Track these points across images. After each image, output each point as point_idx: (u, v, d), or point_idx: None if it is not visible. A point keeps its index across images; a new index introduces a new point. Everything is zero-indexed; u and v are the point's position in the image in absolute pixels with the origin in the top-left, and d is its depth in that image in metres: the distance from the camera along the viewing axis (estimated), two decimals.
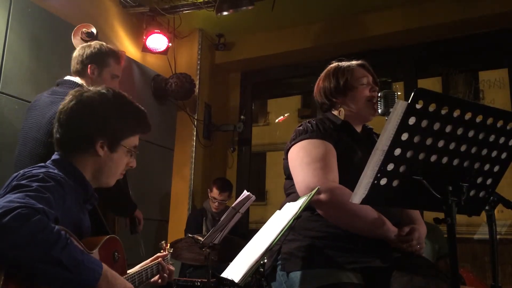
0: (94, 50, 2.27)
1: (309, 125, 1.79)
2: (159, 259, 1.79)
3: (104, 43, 2.35)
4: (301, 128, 1.81)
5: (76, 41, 2.59)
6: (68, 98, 1.49)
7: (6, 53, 2.85)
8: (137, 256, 2.56)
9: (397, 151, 1.15)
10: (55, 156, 1.46)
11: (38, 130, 2.09)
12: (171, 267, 1.82)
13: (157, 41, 4.15)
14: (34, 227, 1.07)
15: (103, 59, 2.27)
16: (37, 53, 3.06)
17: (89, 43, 2.37)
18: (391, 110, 1.70)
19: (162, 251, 1.96)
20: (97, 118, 1.46)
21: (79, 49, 2.31)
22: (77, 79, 2.26)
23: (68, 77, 2.28)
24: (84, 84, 2.23)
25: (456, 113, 1.16)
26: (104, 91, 1.50)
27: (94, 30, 2.60)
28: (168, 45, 4.19)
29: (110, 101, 1.49)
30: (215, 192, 3.93)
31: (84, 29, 2.58)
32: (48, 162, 1.43)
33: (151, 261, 1.76)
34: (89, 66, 2.24)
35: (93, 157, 1.45)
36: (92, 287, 1.17)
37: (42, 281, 1.12)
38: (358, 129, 1.91)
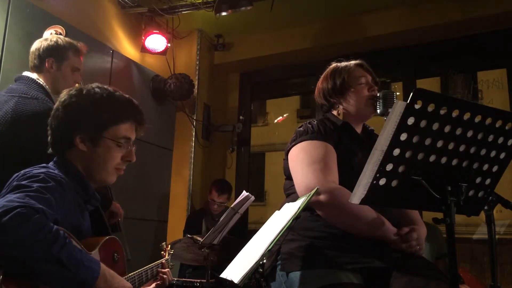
0: (51, 43, 2.20)
1: (310, 126, 1.80)
2: (161, 260, 1.79)
3: (62, 36, 2.28)
4: (301, 129, 1.81)
5: None
6: (56, 104, 1.51)
7: (5, 53, 2.85)
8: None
9: (396, 151, 1.15)
10: (56, 158, 1.47)
11: None
12: (165, 270, 1.81)
13: (156, 41, 4.15)
14: (33, 227, 1.07)
15: (61, 52, 2.20)
16: None
17: (46, 36, 2.29)
18: (390, 110, 1.71)
19: (162, 252, 1.96)
20: (72, 114, 1.46)
21: (36, 43, 2.24)
22: (34, 75, 2.17)
23: (25, 73, 2.20)
24: (41, 80, 2.16)
25: (455, 113, 1.16)
26: (82, 87, 1.51)
27: (61, 31, 2.53)
28: (167, 45, 4.19)
29: (84, 95, 1.48)
30: (214, 194, 3.92)
31: (52, 30, 2.52)
32: (50, 163, 1.44)
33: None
34: (46, 60, 2.17)
35: (79, 154, 1.45)
36: (90, 286, 1.17)
37: (41, 280, 1.12)
38: (358, 129, 1.92)
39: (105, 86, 1.53)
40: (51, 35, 2.29)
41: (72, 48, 2.23)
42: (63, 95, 1.51)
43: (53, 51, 2.18)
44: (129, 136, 1.51)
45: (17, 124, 1.99)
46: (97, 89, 1.50)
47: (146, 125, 1.56)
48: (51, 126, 1.49)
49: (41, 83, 2.16)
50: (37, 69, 2.19)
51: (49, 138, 1.49)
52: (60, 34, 2.48)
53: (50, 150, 1.49)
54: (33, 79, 2.15)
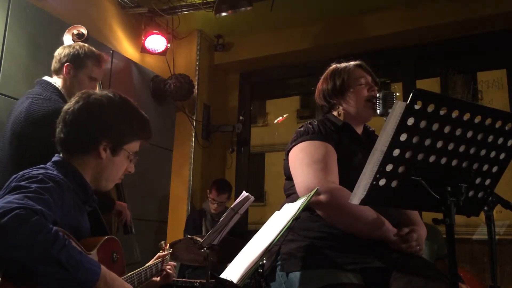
0: (72, 50, 2.28)
1: (310, 126, 1.80)
2: (160, 258, 1.80)
3: (86, 45, 2.35)
4: (302, 129, 1.81)
5: (67, 42, 2.59)
6: (74, 99, 1.50)
7: (5, 54, 2.85)
8: (131, 258, 2.51)
9: (396, 152, 1.15)
10: (55, 158, 1.46)
11: (8, 132, 2.11)
12: (171, 262, 1.85)
13: (156, 42, 4.15)
14: (33, 228, 1.07)
15: (80, 60, 2.27)
16: (35, 54, 3.05)
17: (70, 43, 2.37)
18: (389, 110, 1.71)
19: (161, 251, 1.96)
20: (104, 121, 1.47)
21: (60, 48, 2.33)
22: (54, 79, 2.26)
23: (45, 77, 2.28)
24: (58, 84, 2.23)
25: (454, 114, 1.16)
26: (111, 95, 1.52)
27: (84, 31, 2.59)
28: (166, 46, 4.19)
29: (117, 105, 1.51)
30: (213, 194, 3.93)
31: (74, 31, 2.57)
32: (48, 163, 1.44)
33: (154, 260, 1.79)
34: (65, 65, 2.25)
35: (95, 159, 1.46)
36: None
37: (40, 282, 1.11)
38: (359, 130, 1.92)
39: (128, 97, 1.57)
40: (75, 43, 2.37)
41: (92, 58, 2.31)
42: (89, 96, 1.49)
43: (72, 58, 2.27)
44: (137, 151, 1.57)
45: (30, 123, 2.05)
46: (126, 101, 1.54)
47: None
48: (72, 125, 1.46)
49: (58, 86, 2.24)
50: (56, 72, 2.29)
51: (62, 135, 1.46)
52: (82, 34, 2.54)
53: (59, 148, 1.48)
54: (50, 82, 2.24)
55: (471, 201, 1.33)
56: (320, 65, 2.07)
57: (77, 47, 2.30)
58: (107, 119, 1.47)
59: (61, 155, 1.47)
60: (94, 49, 2.35)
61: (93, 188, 1.49)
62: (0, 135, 2.25)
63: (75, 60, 2.26)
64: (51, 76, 2.30)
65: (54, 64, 2.29)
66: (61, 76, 2.26)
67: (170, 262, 1.86)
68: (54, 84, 2.23)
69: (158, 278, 1.80)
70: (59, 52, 2.29)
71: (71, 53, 2.26)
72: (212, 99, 4.86)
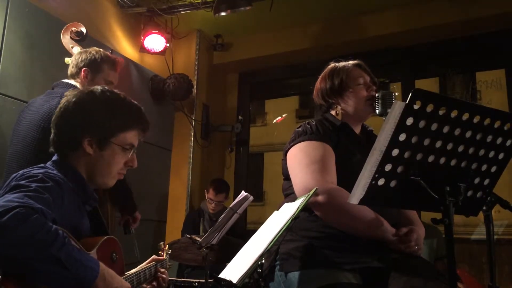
0: (89, 56, 2.35)
1: (308, 126, 1.80)
2: (156, 260, 1.79)
3: (101, 50, 2.42)
4: (300, 129, 1.81)
5: (65, 39, 2.60)
6: (62, 100, 1.50)
7: (3, 53, 2.84)
8: (131, 258, 2.55)
9: (395, 152, 1.15)
10: (55, 157, 1.47)
11: (30, 128, 2.14)
12: (164, 275, 1.80)
13: (155, 41, 4.15)
14: (32, 226, 1.07)
15: (96, 65, 2.34)
16: (34, 53, 3.05)
17: (87, 49, 2.44)
18: (388, 110, 1.71)
19: (160, 252, 1.95)
20: (83, 116, 1.46)
21: (76, 54, 2.40)
22: (72, 81, 2.33)
23: (65, 80, 2.34)
24: (79, 86, 2.29)
25: (453, 114, 1.16)
26: (93, 89, 1.51)
27: (83, 30, 2.62)
28: (166, 45, 4.19)
29: (97, 98, 1.48)
30: (211, 193, 3.93)
31: (73, 28, 2.59)
32: (48, 163, 1.44)
33: (149, 262, 1.77)
34: (83, 70, 2.32)
35: (84, 156, 1.45)
36: (89, 286, 1.17)
37: (40, 280, 1.12)
38: (357, 129, 1.92)
39: (116, 91, 1.54)
40: (91, 48, 2.44)
41: (107, 62, 2.38)
42: (72, 94, 1.50)
43: (89, 63, 2.34)
44: (134, 143, 1.53)
45: None
46: (108, 93, 1.51)
47: (148, 133, 1.58)
48: (57, 125, 1.47)
49: (79, 88, 2.29)
50: (73, 77, 2.36)
51: (52, 136, 1.48)
52: (81, 32, 2.62)
53: (51, 149, 1.48)
54: (72, 84, 2.31)
55: (470, 201, 1.33)
56: (319, 65, 2.07)
57: (93, 52, 2.37)
58: (86, 114, 1.46)
59: (57, 155, 1.47)
60: (109, 53, 2.42)
61: (92, 187, 1.49)
62: (7, 134, 2.27)
63: (92, 65, 2.33)
64: (50, 77, 2.34)
65: (71, 69, 2.35)
66: (78, 80, 2.33)
67: (164, 270, 1.80)
68: (76, 85, 2.29)
69: (149, 287, 1.75)
70: (76, 58, 2.36)
71: (88, 58, 2.34)
72: (211, 99, 4.86)
